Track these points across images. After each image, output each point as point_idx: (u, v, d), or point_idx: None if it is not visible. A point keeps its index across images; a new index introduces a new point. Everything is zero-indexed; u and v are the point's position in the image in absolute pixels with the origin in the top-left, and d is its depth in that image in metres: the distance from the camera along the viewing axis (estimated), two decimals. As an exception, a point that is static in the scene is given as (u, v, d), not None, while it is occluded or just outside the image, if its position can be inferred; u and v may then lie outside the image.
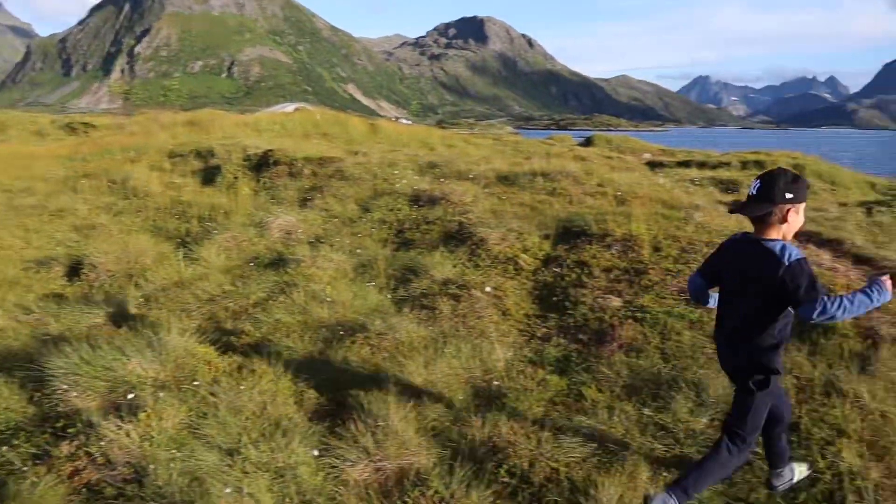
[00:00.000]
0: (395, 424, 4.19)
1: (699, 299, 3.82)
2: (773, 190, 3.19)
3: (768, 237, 3.27)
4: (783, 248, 3.18)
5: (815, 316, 3.06)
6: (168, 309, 6.80)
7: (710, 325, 5.64)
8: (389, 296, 6.95)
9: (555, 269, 7.16)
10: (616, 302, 6.24)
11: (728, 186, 20.93)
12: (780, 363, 3.38)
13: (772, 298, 3.23)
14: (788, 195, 3.19)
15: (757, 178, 3.31)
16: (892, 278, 3.21)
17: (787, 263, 3.12)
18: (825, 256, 7.66)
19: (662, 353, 5.37)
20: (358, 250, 8.35)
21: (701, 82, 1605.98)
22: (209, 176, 13.38)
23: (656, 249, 7.18)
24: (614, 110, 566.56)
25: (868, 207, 16.61)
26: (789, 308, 3.25)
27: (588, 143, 39.56)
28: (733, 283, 3.48)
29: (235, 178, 12.92)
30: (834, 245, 8.98)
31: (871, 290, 3.16)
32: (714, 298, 3.72)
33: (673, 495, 3.37)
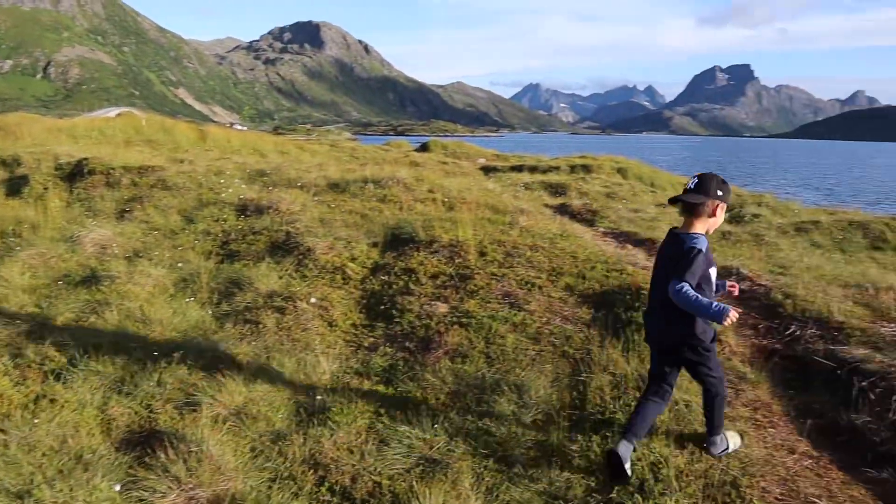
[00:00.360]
0: (211, 449, 3.97)
1: None
2: (708, 186, 3.81)
3: (693, 231, 3.88)
4: (696, 238, 3.81)
5: (674, 289, 3.68)
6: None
7: (532, 328, 5.82)
8: (211, 311, 6.64)
9: (382, 278, 7.11)
10: (442, 308, 6.27)
11: (557, 190, 21.80)
12: (709, 331, 3.99)
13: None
14: (719, 193, 3.83)
15: (695, 176, 3.90)
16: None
17: (687, 247, 3.76)
18: (640, 256, 8.08)
19: (487, 357, 5.44)
20: (179, 264, 7.94)
21: (532, 89, 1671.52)
22: (15, 187, 12.33)
23: (482, 254, 7.30)
24: (451, 116, 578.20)
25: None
26: (703, 286, 3.84)
27: (424, 148, 40.08)
28: (661, 270, 4.02)
29: (45, 188, 11.97)
30: (649, 244, 9.52)
31: (714, 306, 3.65)
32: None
33: (713, 437, 4.11)
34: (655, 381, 4.21)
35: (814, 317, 6.28)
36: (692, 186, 3.86)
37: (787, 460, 4.29)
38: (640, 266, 7.26)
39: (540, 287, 6.57)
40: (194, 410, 4.52)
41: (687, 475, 3.92)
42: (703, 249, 3.77)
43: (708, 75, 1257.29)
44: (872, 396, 5.00)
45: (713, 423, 4.16)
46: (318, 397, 4.84)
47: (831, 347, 5.70)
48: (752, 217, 17.22)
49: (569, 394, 4.82)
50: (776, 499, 3.83)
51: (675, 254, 3.85)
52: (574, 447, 4.22)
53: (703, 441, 4.24)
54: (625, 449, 3.91)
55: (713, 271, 4.01)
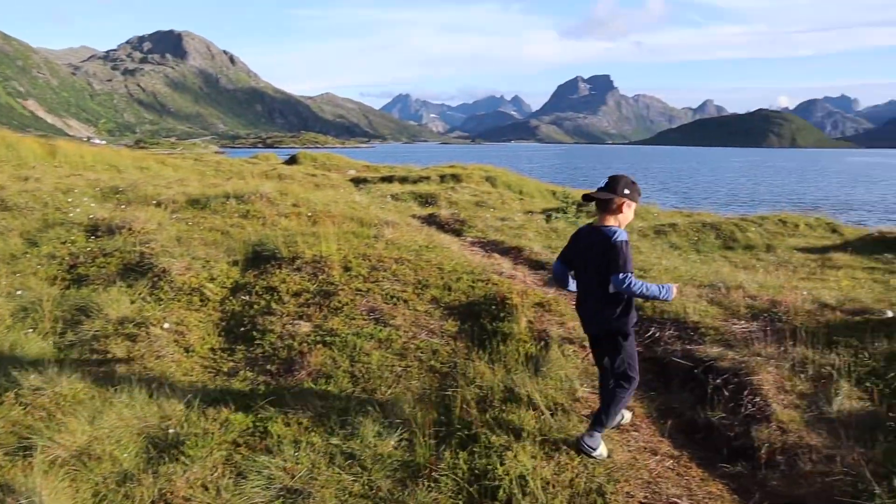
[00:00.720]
0: (45, 499, 3.62)
1: (561, 282, 4.67)
2: (616, 185, 4.22)
3: (606, 224, 4.24)
4: (615, 231, 4.16)
5: (621, 284, 4.05)
6: None
7: (398, 343, 5.71)
8: (54, 342, 6.14)
9: (243, 298, 6.82)
10: (306, 327, 6.06)
11: (427, 200, 21.88)
12: (633, 318, 4.35)
13: (605, 270, 4.13)
14: (626, 191, 4.23)
15: (607, 178, 4.33)
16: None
17: (613, 242, 4.10)
18: (506, 264, 8.15)
19: (352, 377, 5.29)
20: (19, 291, 7.33)
21: (402, 100, 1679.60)
22: None
23: (346, 269, 7.14)
24: (321, 128, 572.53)
25: (548, 214, 18.26)
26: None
27: (293, 161, 39.38)
28: (583, 264, 4.38)
29: None
30: (514, 253, 9.63)
31: (662, 287, 4.18)
32: (573, 283, 4.54)
33: (594, 431, 4.27)
34: (604, 373, 4.50)
35: (671, 318, 6.50)
36: (603, 185, 4.29)
37: (650, 462, 4.37)
38: (505, 275, 7.31)
39: (406, 301, 6.48)
40: (28, 456, 4.12)
41: (553, 486, 3.90)
42: (626, 239, 4.16)
43: (571, 85, 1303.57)
44: (726, 393, 5.20)
45: (608, 416, 4.36)
46: (171, 431, 4.54)
47: (688, 347, 5.91)
48: (614, 221, 17.83)
49: (435, 410, 4.73)
50: (640, 503, 3.87)
51: (601, 247, 4.17)
52: (442, 465, 4.13)
53: (572, 447, 4.25)
54: (589, 439, 4.22)
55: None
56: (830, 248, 17.51)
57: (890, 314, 6.34)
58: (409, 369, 5.38)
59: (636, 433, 4.72)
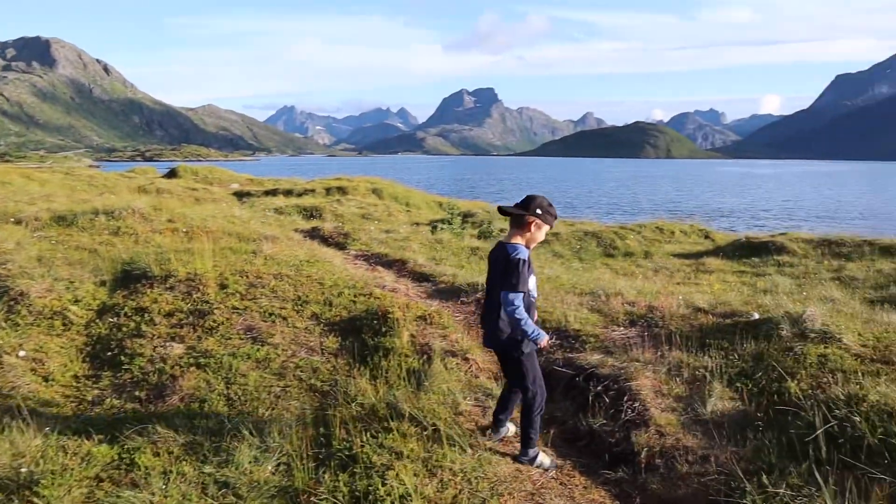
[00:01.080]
0: None
1: None
2: (530, 204, 4.29)
3: (512, 241, 4.31)
4: (516, 248, 4.22)
5: (508, 302, 4.12)
6: None
7: (277, 363, 5.51)
8: None
9: (111, 320, 6.42)
10: (178, 349, 5.76)
11: (311, 213, 21.56)
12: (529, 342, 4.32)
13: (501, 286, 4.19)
14: (538, 211, 4.27)
15: (525, 196, 4.41)
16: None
17: (512, 258, 4.16)
18: (389, 277, 8.05)
19: (227, 400, 5.04)
20: None
21: (287, 112, 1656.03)
22: None
23: (223, 287, 6.85)
24: (203, 140, 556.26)
25: (434, 225, 18.33)
26: (528, 290, 4.25)
27: (173, 174, 38.08)
28: (491, 278, 4.44)
29: None
30: (399, 265, 9.54)
31: (533, 331, 4.19)
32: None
33: (528, 449, 4.45)
34: (508, 380, 4.66)
35: (553, 326, 6.57)
36: (519, 202, 4.37)
37: (533, 473, 4.36)
38: (388, 289, 7.21)
39: (285, 318, 6.27)
40: None
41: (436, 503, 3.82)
42: (525, 259, 4.19)
43: (456, 98, 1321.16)
44: (607, 399, 5.28)
45: (527, 436, 4.45)
46: (24, 469, 4.17)
47: (569, 355, 5.98)
48: (500, 232, 18.06)
49: (315, 431, 4.57)
50: (524, 516, 3.84)
51: (502, 262, 4.24)
52: (321, 489, 3.97)
53: (457, 465, 4.18)
54: (525, 458, 4.43)
55: (533, 279, 4.37)
56: (703, 253, 18.36)
57: (756, 316, 6.63)
58: (288, 389, 5.19)
59: (518, 445, 4.70)
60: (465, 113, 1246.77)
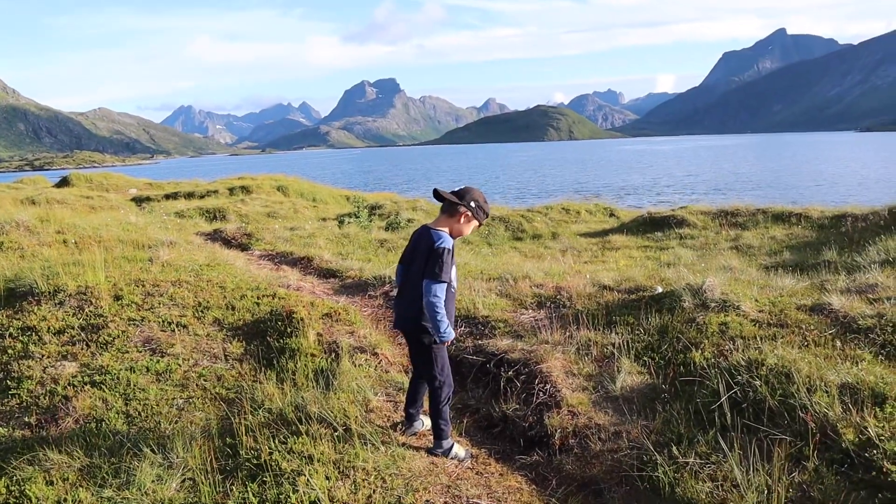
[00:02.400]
0: None
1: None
2: (465, 195, 4.26)
3: (439, 227, 4.26)
4: (440, 236, 4.18)
5: (428, 290, 4.04)
6: None
7: (178, 374, 5.28)
8: None
9: (-6, 343, 6.02)
10: (71, 368, 5.44)
11: (215, 215, 20.98)
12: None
13: (423, 272, 4.11)
14: (472, 205, 4.25)
15: (463, 186, 4.39)
16: None
17: (436, 246, 4.10)
18: (293, 276, 7.85)
19: (127, 417, 4.79)
20: None
21: (185, 112, 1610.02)
22: None
23: (117, 298, 6.52)
24: (97, 145, 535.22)
25: (340, 220, 18.10)
26: (450, 280, 4.18)
27: (65, 182, 36.41)
28: (410, 259, 4.36)
29: None
30: (304, 263, 9.34)
31: (444, 329, 4.10)
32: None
33: (441, 441, 4.37)
34: (415, 368, 4.58)
35: (462, 315, 6.53)
36: (456, 190, 4.32)
37: (448, 466, 4.30)
38: (293, 288, 7.04)
39: (185, 326, 6.01)
40: None
41: (350, 505, 3.71)
42: (450, 248, 4.15)
43: (358, 90, 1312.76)
44: (518, 384, 5.28)
45: (438, 428, 4.36)
46: None
47: (479, 342, 5.95)
48: (408, 222, 17.99)
49: (221, 442, 4.38)
50: (440, 510, 3.78)
51: (425, 249, 4.17)
52: (229, 502, 3.81)
53: (370, 464, 4.08)
54: (440, 450, 4.37)
55: (454, 270, 4.32)
56: (609, 231, 18.77)
57: (660, 290, 6.77)
58: (191, 400, 4.98)
59: (432, 436, 4.64)
60: (368, 104, 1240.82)
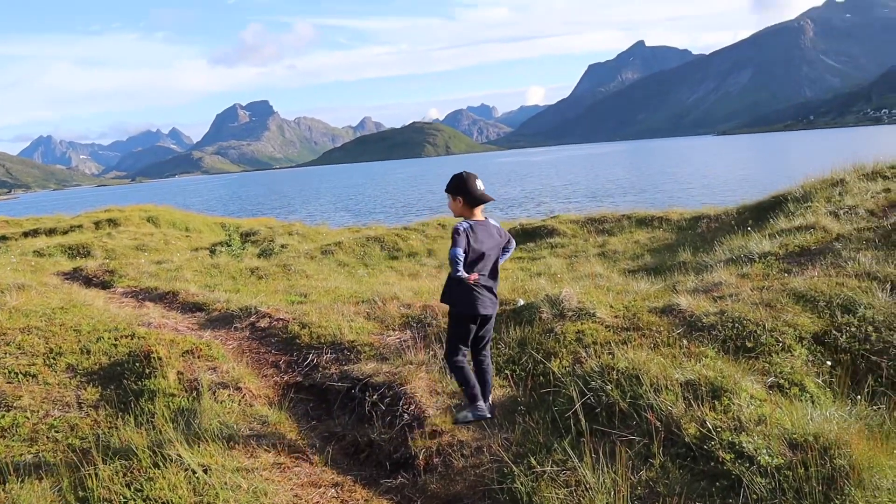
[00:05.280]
0: None
1: None
2: (448, 183, 4.77)
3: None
4: (455, 226, 4.54)
5: (450, 256, 4.43)
6: None
7: (27, 427, 5.01)
8: None
9: None
10: None
11: (79, 251, 20.02)
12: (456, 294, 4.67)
13: None
14: (447, 187, 4.76)
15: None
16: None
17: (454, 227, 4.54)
18: (156, 313, 7.61)
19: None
20: None
21: (44, 143, 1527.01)
22: None
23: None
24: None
25: (212, 249, 17.63)
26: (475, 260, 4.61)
27: None
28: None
29: None
30: (170, 297, 9.05)
31: (457, 269, 4.41)
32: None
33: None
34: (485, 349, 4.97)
35: (329, 342, 6.50)
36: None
37: (313, 497, 4.27)
38: (154, 325, 6.81)
39: (34, 376, 5.71)
40: None
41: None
42: (461, 229, 4.50)
43: (230, 113, 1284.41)
44: (383, 407, 5.30)
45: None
46: None
47: (345, 368, 5.94)
48: (281, 248, 17.75)
49: (73, 496, 4.19)
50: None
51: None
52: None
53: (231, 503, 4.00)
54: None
55: (481, 249, 4.60)
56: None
57: (522, 302, 6.96)
58: (42, 455, 4.73)
59: (299, 468, 4.60)
60: (242, 128, 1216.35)
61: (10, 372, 5.76)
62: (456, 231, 4.53)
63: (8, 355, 6.02)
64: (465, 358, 4.78)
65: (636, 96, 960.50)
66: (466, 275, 4.48)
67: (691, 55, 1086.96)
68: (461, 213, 4.72)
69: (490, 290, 4.72)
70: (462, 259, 4.44)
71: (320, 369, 5.94)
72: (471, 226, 4.59)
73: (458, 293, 4.63)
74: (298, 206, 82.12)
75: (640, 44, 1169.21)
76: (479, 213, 4.73)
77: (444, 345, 4.89)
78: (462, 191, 4.70)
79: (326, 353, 6.19)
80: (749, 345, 5.51)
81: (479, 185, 4.73)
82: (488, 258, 4.65)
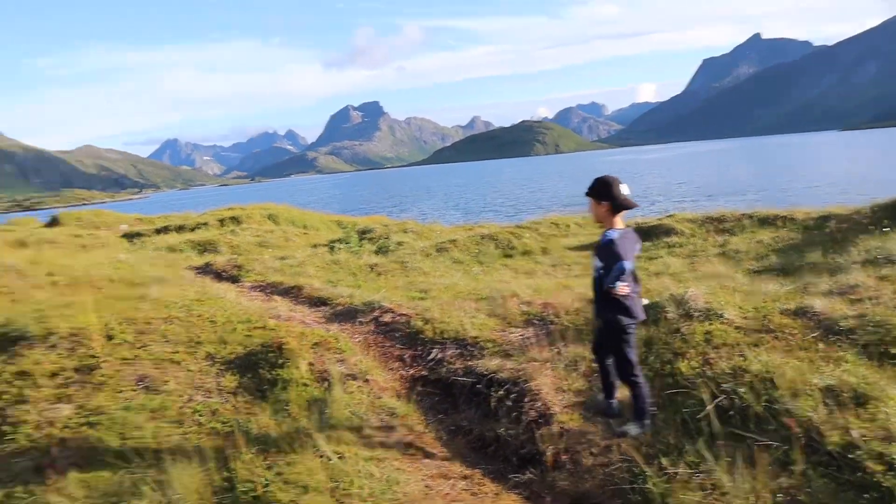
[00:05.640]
0: None
1: None
2: (590, 187, 4.54)
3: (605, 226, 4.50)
4: (603, 234, 4.43)
5: (609, 281, 4.27)
6: None
7: (173, 410, 5.33)
8: None
9: (-11, 389, 6.06)
10: (67, 410, 5.48)
11: (206, 247, 21.03)
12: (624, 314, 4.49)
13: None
14: (588, 191, 4.53)
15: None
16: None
17: (602, 240, 4.40)
18: (284, 306, 7.91)
19: (123, 457, 4.83)
20: None
21: (171, 145, 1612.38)
22: None
23: (110, 338, 6.57)
24: (85, 183, 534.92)
25: (331, 246, 18.17)
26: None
27: (55, 222, 36.36)
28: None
29: None
30: (295, 292, 9.40)
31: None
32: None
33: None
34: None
35: (452, 337, 6.60)
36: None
37: (443, 488, 4.35)
38: (283, 318, 7.10)
39: (178, 363, 6.07)
40: None
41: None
42: (615, 239, 4.32)
43: (343, 115, 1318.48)
44: (509, 403, 5.35)
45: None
46: None
47: (469, 363, 6.02)
48: (397, 245, 18.07)
49: (219, 475, 4.44)
50: (433, 532, 3.83)
51: (598, 246, 4.46)
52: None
53: (366, 490, 4.13)
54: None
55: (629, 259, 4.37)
56: (598, 243, 18.81)
57: (646, 301, 6.84)
58: (187, 436, 5.03)
59: (428, 459, 4.71)
60: (354, 129, 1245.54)
61: (156, 358, 6.14)
62: (611, 242, 4.34)
63: (154, 343, 6.43)
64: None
65: (753, 91, 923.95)
66: (627, 289, 4.36)
67: (812, 47, 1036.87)
68: (603, 218, 4.52)
69: (638, 294, 4.60)
70: (627, 271, 4.28)
71: (445, 364, 6.04)
72: (620, 234, 4.40)
73: (624, 305, 4.46)
74: (409, 204, 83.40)
75: (757, 37, 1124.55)
76: (620, 220, 4.51)
77: (620, 362, 4.62)
78: (608, 195, 4.48)
79: (450, 349, 6.29)
80: (894, 351, 5.23)
81: (625, 189, 4.49)
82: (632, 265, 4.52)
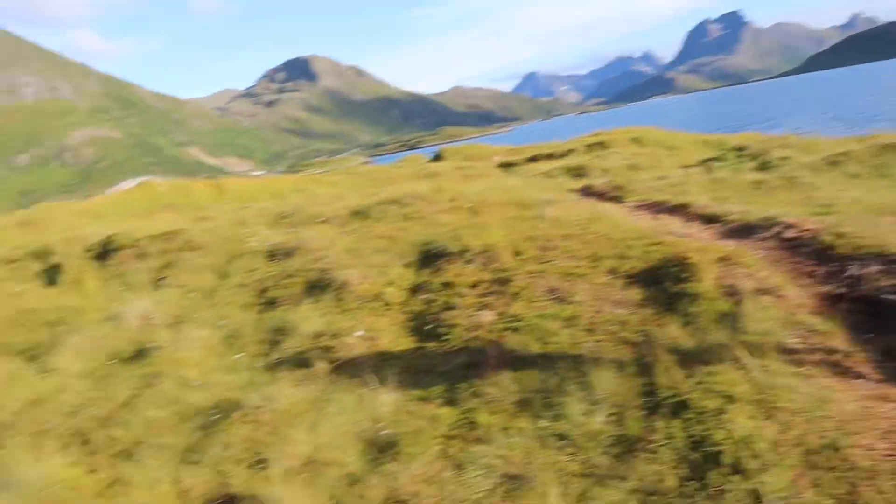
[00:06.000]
0: (288, 505, 3.91)
1: None
2: None
3: None
4: None
5: None
6: (26, 433, 6.16)
7: (584, 319, 5.68)
8: (262, 363, 6.58)
9: (422, 297, 7.02)
10: (489, 317, 6.15)
11: (578, 172, 21.62)
12: None
13: None
14: None
15: None
16: None
17: None
18: (675, 224, 7.90)
19: (545, 359, 5.31)
20: (221, 322, 7.91)
21: (531, 78, 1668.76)
22: (52, 276, 12.44)
23: (517, 254, 7.17)
24: (457, 121, 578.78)
25: (706, 164, 17.54)
26: None
27: (438, 157, 40.10)
28: None
29: (80, 272, 12.07)
30: (681, 210, 9.32)
31: None
32: None
33: None
34: None
35: (871, 253, 6.05)
36: None
37: (883, 411, 4.05)
38: (678, 235, 7.10)
39: (582, 276, 6.43)
40: (265, 468, 4.46)
41: (782, 445, 3.73)
42: None
43: (700, 30, 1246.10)
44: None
45: None
46: (385, 431, 4.76)
47: (896, 281, 5.48)
48: (780, 160, 16.85)
49: (637, 381, 4.68)
50: (884, 456, 3.58)
51: None
52: (656, 436, 4.08)
53: (795, 405, 4.03)
54: None
55: None
56: None
57: None
58: (600, 344, 5.34)
59: (859, 380, 4.43)
60: (713, 43, 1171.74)
61: (562, 272, 6.57)
62: None
63: (557, 258, 6.88)
64: None
65: None
66: None
67: None
68: None
69: None
70: None
71: (866, 281, 5.58)
72: None
73: None
74: (780, 119, 76.74)
75: None
76: None
77: None
78: None
79: (872, 265, 5.78)
80: None
81: None
82: None
